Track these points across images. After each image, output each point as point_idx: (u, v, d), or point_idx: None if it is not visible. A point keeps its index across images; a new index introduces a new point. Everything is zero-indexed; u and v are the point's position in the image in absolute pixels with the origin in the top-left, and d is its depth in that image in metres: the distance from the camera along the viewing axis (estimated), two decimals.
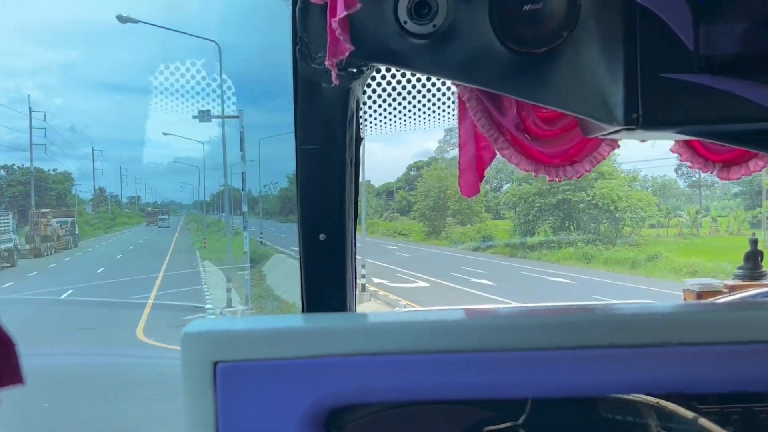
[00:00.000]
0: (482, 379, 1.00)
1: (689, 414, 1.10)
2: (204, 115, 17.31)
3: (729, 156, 1.61)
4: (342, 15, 1.17)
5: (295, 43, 1.36)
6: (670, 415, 1.11)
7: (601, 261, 25.39)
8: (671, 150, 1.68)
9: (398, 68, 1.65)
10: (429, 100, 1.86)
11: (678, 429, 1.11)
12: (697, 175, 37.47)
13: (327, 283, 1.53)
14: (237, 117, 17.72)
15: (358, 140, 1.58)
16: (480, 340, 1.01)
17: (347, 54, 1.22)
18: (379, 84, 1.75)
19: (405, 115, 1.90)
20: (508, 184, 38.02)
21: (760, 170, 1.61)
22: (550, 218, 29.24)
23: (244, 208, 18.46)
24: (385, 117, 1.89)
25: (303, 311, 1.53)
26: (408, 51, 1.26)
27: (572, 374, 1.00)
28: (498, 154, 1.55)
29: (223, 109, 17.60)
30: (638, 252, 25.50)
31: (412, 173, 50.31)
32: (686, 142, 1.60)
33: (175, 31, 19.64)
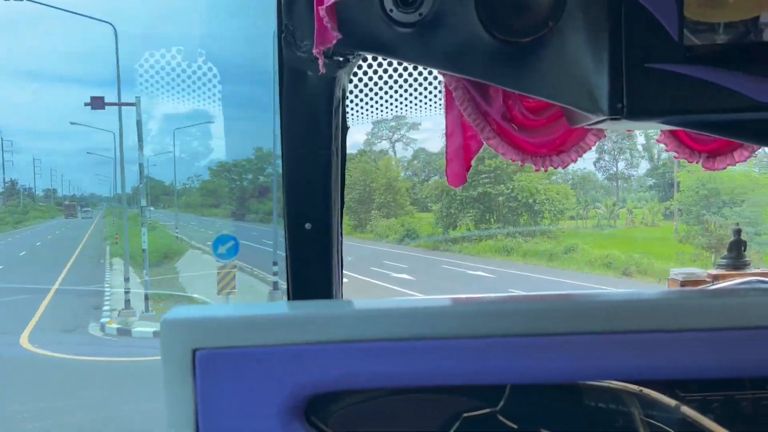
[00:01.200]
0: (462, 365, 1.01)
1: (672, 402, 1.11)
2: (97, 102, 16.10)
3: (714, 146, 1.62)
4: (330, 2, 1.18)
5: (280, 32, 1.35)
6: (652, 402, 1.11)
7: (520, 253, 25.65)
8: (657, 140, 1.70)
9: (384, 57, 1.66)
10: (416, 90, 1.87)
11: (660, 417, 1.12)
12: (614, 168, 38.75)
13: (313, 271, 1.52)
14: (134, 104, 16.56)
15: (344, 129, 1.58)
16: (460, 326, 1.02)
17: (334, 42, 1.23)
18: (365, 73, 1.77)
19: (391, 104, 1.91)
20: (436, 176, 38.07)
21: (745, 160, 1.61)
22: (471, 211, 29.39)
23: (143, 203, 17.34)
24: (372, 106, 1.90)
25: (288, 300, 1.50)
26: (394, 40, 1.27)
27: (551, 360, 1.01)
28: (484, 143, 1.54)
29: (119, 96, 16.43)
30: (556, 244, 25.92)
31: (362, 165, 49.89)
32: (672, 132, 1.61)
33: (69, 11, 18.13)
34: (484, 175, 28.83)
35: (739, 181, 21.53)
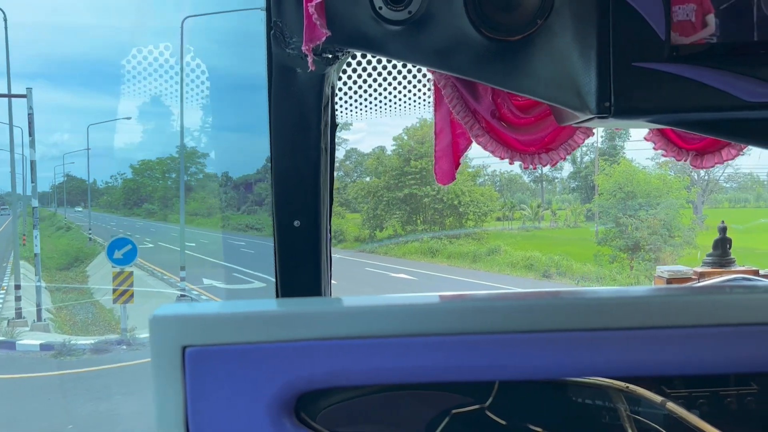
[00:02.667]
0: (451, 361, 1.01)
1: (658, 398, 1.11)
2: None
3: (702, 144, 1.63)
4: (318, 0, 1.19)
5: (269, 29, 1.35)
6: (639, 399, 1.11)
7: (444, 255, 25.56)
8: (645, 138, 1.68)
9: (373, 54, 1.67)
10: (405, 87, 1.86)
11: (647, 413, 1.11)
12: (540, 171, 39.41)
13: (301, 269, 1.51)
14: (24, 96, 15.21)
15: (333, 127, 1.56)
16: (449, 323, 1.02)
17: (323, 39, 1.24)
18: (354, 70, 1.77)
19: (380, 101, 1.90)
20: (369, 178, 37.65)
21: (733, 158, 1.62)
22: (398, 212, 29.14)
23: (34, 203, 16.00)
24: (361, 103, 1.90)
25: (277, 297, 1.49)
26: (383, 37, 1.27)
27: (540, 357, 1.01)
28: (473, 141, 1.55)
29: (9, 88, 15.07)
30: (480, 246, 25.98)
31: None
32: (660, 130, 1.63)
33: None
34: (410, 176, 28.63)
35: (654, 185, 22.09)
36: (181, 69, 17.74)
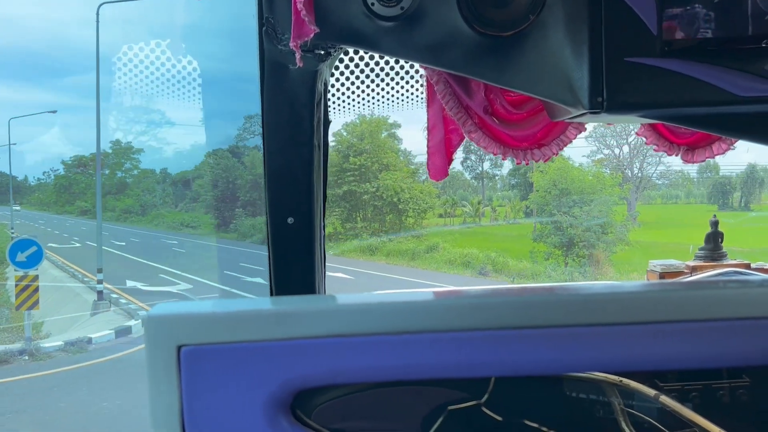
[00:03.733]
0: (447, 358, 1.02)
1: (651, 392, 1.12)
2: None
3: (693, 139, 1.65)
4: None
5: (261, 24, 1.35)
6: (632, 393, 1.12)
7: (384, 253, 25.26)
8: (637, 133, 1.70)
9: (366, 50, 1.66)
10: (397, 83, 1.85)
11: (640, 407, 1.13)
12: (480, 168, 39.67)
13: (295, 266, 1.50)
14: None
15: (326, 123, 1.55)
16: (445, 320, 1.03)
17: (311, 35, 1.24)
18: (347, 66, 1.76)
19: (373, 98, 1.91)
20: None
21: (724, 153, 1.63)
22: (337, 210, 28.64)
23: None
24: (354, 100, 1.90)
25: (271, 295, 1.50)
26: (375, 33, 1.28)
27: (535, 353, 1.02)
28: (466, 137, 1.55)
29: None
30: (418, 243, 25.79)
31: (211, 161, 47.33)
32: (652, 125, 1.65)
33: None
34: (349, 173, 28.19)
35: (588, 182, 22.34)
36: (97, 61, 16.78)
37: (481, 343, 1.01)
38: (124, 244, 30.02)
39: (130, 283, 18.69)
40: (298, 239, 1.48)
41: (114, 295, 16.78)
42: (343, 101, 1.89)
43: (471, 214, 34.61)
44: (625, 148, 28.81)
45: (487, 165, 39.19)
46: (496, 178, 41.17)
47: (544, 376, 1.11)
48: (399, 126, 31.11)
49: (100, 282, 15.68)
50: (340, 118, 1.98)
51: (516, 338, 1.01)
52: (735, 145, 1.66)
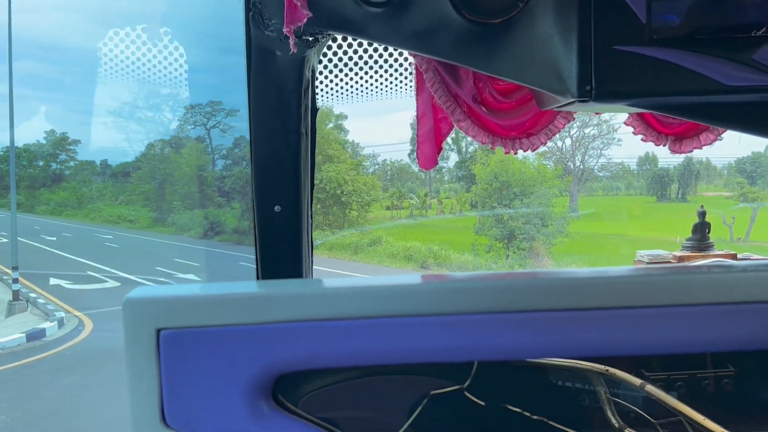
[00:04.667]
0: (430, 342, 1.02)
1: (637, 381, 1.11)
2: None
3: (681, 129, 1.65)
4: None
5: (248, 10, 1.33)
6: (618, 382, 1.11)
7: (326, 246, 24.80)
8: (626, 123, 1.67)
9: (354, 37, 1.65)
10: (386, 71, 1.85)
11: (626, 396, 1.12)
12: None
13: (282, 254, 1.49)
14: None
15: (314, 110, 1.54)
16: (429, 304, 1.03)
17: (305, 20, 1.24)
18: (335, 53, 1.74)
19: (362, 85, 1.90)
20: None
21: (711, 143, 1.64)
22: None
23: None
24: (342, 87, 1.88)
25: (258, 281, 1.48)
26: (364, 20, 1.27)
27: (519, 337, 1.02)
28: (455, 126, 1.55)
29: None
30: (362, 236, 25.41)
31: (153, 153, 45.75)
32: (640, 115, 1.64)
33: None
34: None
35: (528, 174, 22.37)
36: (9, 45, 15.71)
37: (465, 327, 1.01)
38: (54, 239, 28.64)
39: (53, 281, 17.71)
40: (286, 226, 1.46)
41: (33, 295, 15.81)
42: (331, 89, 1.86)
43: (418, 206, 34.47)
44: (568, 141, 29.11)
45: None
46: (444, 170, 41.17)
47: (529, 363, 1.09)
48: (346, 117, 30.63)
49: (15, 281, 14.69)
50: (327, 105, 1.95)
51: (499, 323, 1.00)
52: (723, 135, 1.65)
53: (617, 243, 23.14)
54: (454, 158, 39.86)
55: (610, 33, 1.14)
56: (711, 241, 2.44)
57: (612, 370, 1.10)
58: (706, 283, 1.06)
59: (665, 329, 1.02)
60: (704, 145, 1.65)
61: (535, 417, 1.11)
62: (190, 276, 18.86)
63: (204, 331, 1.00)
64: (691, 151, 1.68)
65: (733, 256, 2.29)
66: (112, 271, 19.66)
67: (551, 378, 1.12)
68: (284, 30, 1.23)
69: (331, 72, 1.80)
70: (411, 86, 1.82)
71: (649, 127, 1.66)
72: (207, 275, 19.05)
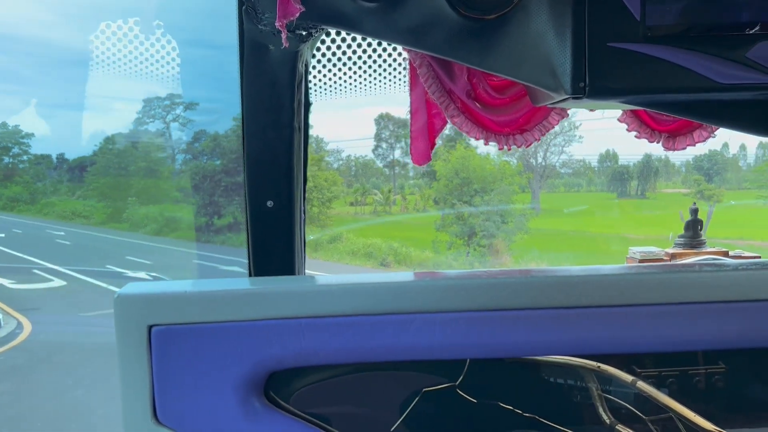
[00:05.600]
0: (422, 339, 1.02)
1: (628, 377, 1.11)
2: None
3: (674, 126, 1.65)
4: None
5: (241, 4, 1.32)
6: (610, 379, 1.11)
7: None
8: (619, 120, 1.66)
9: (348, 32, 1.65)
10: (380, 66, 1.84)
11: (618, 392, 1.12)
12: (392, 155, 39.30)
13: (274, 249, 1.48)
14: None
15: (307, 105, 1.53)
16: (421, 301, 1.03)
17: (297, 15, 1.22)
18: (328, 48, 1.73)
19: (355, 80, 1.88)
20: (220, 161, 35.38)
21: (705, 140, 1.65)
22: (237, 198, 27.44)
23: None
24: (335, 82, 1.88)
25: (250, 277, 1.44)
26: (358, 14, 1.27)
27: (511, 335, 1.02)
28: (449, 121, 1.55)
29: None
30: (322, 233, 25.03)
31: (111, 146, 44.46)
32: (633, 112, 1.64)
33: None
34: None
35: (489, 171, 22.27)
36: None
37: (457, 324, 1.01)
38: (3, 235, 27.58)
39: None
40: (278, 223, 1.45)
41: None
42: (324, 83, 1.85)
43: (382, 202, 34.19)
44: None
45: (398, 153, 38.87)
46: (408, 166, 40.99)
47: (521, 360, 1.09)
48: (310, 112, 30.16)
49: None
50: (320, 100, 1.92)
51: (491, 320, 1.01)
52: (716, 132, 1.65)
53: (578, 239, 23.23)
54: None
55: (605, 30, 1.13)
56: (703, 238, 2.43)
57: (604, 366, 1.11)
58: (698, 281, 1.06)
59: (657, 327, 1.03)
60: (698, 142, 1.65)
61: (526, 414, 1.11)
62: (141, 274, 18.25)
63: (196, 327, 1.01)
64: (685, 148, 1.68)
65: (725, 254, 2.28)
66: (60, 269, 18.91)
67: (543, 375, 1.12)
68: (276, 24, 1.22)
69: (324, 67, 1.78)
70: (405, 81, 1.81)
71: (643, 124, 1.65)
72: (156, 275, 18.45)
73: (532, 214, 23.78)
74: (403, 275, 1.14)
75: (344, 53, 1.75)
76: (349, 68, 1.82)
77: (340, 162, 33.14)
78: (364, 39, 1.72)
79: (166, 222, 28.55)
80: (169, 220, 28.70)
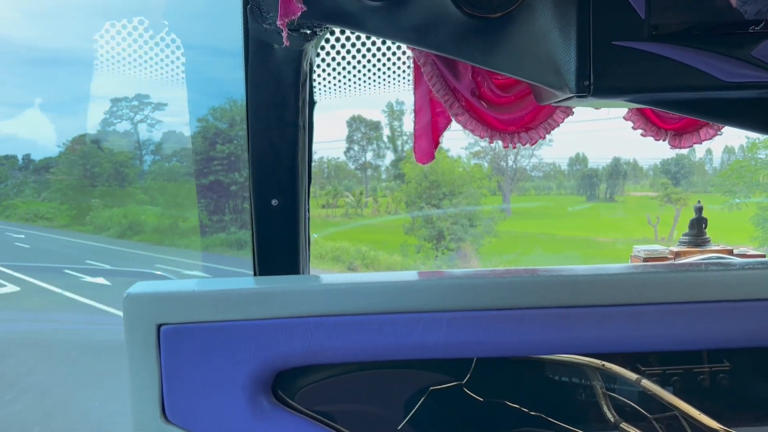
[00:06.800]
0: (429, 338, 1.02)
1: (633, 376, 1.12)
2: None
3: (680, 125, 1.65)
4: None
5: (246, 3, 1.33)
6: (615, 377, 1.11)
7: (250, 248, 23.93)
8: (624, 118, 1.66)
9: (352, 31, 1.66)
10: (384, 65, 1.86)
11: (622, 391, 1.11)
12: (363, 158, 39.06)
13: (279, 248, 1.49)
14: None
15: (312, 104, 1.54)
16: (427, 300, 1.03)
17: (299, 14, 1.22)
18: (333, 47, 1.74)
19: (360, 79, 1.89)
20: (185, 163, 34.77)
21: (711, 138, 1.64)
22: (202, 201, 26.96)
23: None
24: (340, 81, 1.87)
25: (255, 276, 1.46)
26: (363, 13, 1.27)
27: (518, 334, 1.01)
28: (453, 120, 1.56)
29: None
30: None
31: (76, 147, 43.50)
32: (639, 110, 1.65)
33: None
34: (216, 162, 26.51)
35: (458, 174, 22.15)
36: None
37: (464, 323, 1.02)
38: None
39: None
40: (283, 221, 1.47)
41: None
42: (329, 82, 1.84)
43: (353, 204, 33.93)
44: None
45: (369, 155, 38.66)
46: (381, 168, 40.80)
47: (527, 359, 1.08)
48: None
49: None
50: (325, 99, 1.91)
51: (498, 319, 1.01)
52: (722, 131, 1.64)
53: (547, 242, 23.21)
54: (390, 156, 39.60)
55: (609, 28, 1.12)
56: (708, 236, 2.41)
57: (608, 365, 1.11)
58: (703, 280, 1.05)
59: (662, 326, 1.02)
60: (704, 140, 1.63)
61: (532, 412, 1.11)
62: (99, 281, 17.72)
63: (204, 326, 1.01)
64: (691, 146, 1.66)
65: (730, 252, 2.26)
66: (15, 274, 18.28)
67: (549, 374, 1.12)
68: (278, 23, 1.21)
69: (329, 65, 1.78)
70: (409, 79, 1.79)
71: (649, 122, 1.64)
72: (116, 281, 17.94)
73: (502, 217, 23.72)
74: (409, 274, 1.13)
75: (348, 52, 1.76)
76: (354, 67, 1.82)
77: (313, 164, 32.89)
78: (368, 38, 1.73)
79: (129, 225, 27.87)
80: (133, 223, 28.00)
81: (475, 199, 21.67)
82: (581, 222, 26.03)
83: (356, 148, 38.99)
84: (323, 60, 1.79)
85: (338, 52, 1.76)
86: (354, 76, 1.88)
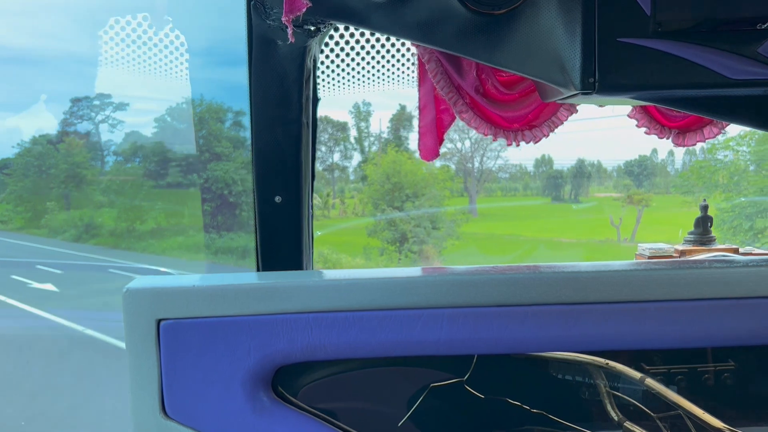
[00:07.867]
0: (430, 335, 1.01)
1: (637, 374, 1.11)
2: None
3: (684, 122, 1.67)
4: None
5: None
6: (618, 375, 1.10)
7: (212, 250, 23.45)
8: (629, 116, 1.69)
9: (356, 27, 1.69)
10: (388, 61, 1.89)
11: (626, 389, 1.10)
12: (330, 159, 38.69)
13: (282, 244, 1.51)
14: None
15: (315, 101, 1.57)
16: (429, 297, 1.02)
17: (304, 10, 1.25)
18: (336, 43, 1.79)
19: (363, 75, 1.93)
20: (144, 164, 33.92)
21: (715, 137, 1.66)
22: (160, 203, 26.30)
23: None
24: (343, 77, 1.91)
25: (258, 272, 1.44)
26: (367, 9, 1.29)
27: (519, 331, 1.00)
28: (457, 117, 1.57)
29: None
30: (250, 240, 24.19)
31: (31, 148, 42.24)
32: (643, 108, 1.69)
33: None
34: (174, 164, 25.91)
35: (420, 175, 21.96)
36: None
37: (465, 320, 1.01)
38: None
39: None
40: (286, 218, 1.48)
41: None
42: (333, 79, 1.87)
43: (320, 206, 33.54)
44: (467, 143, 29.01)
45: (337, 156, 38.31)
46: (348, 169, 40.47)
47: (529, 356, 1.06)
48: (245, 114, 29.22)
49: None
50: (329, 96, 1.90)
51: (500, 316, 1.00)
52: (726, 128, 1.68)
53: (511, 243, 23.13)
54: (357, 158, 39.28)
55: (614, 25, 1.12)
56: (713, 235, 2.39)
57: (612, 363, 1.10)
58: (708, 278, 1.03)
59: (666, 324, 1.01)
60: (708, 138, 1.63)
61: (534, 410, 1.10)
62: (47, 287, 17.07)
63: (204, 321, 0.99)
64: (695, 144, 1.64)
65: (735, 251, 2.23)
66: None
67: (551, 371, 1.12)
68: (283, 19, 1.24)
69: (332, 62, 1.80)
70: (413, 76, 1.81)
71: (653, 119, 1.65)
72: (64, 287, 17.31)
73: (467, 218, 23.59)
74: (410, 270, 1.10)
75: (352, 48, 1.78)
76: (357, 63, 1.84)
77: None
78: (372, 34, 1.75)
79: (86, 228, 27.03)
80: (90, 226, 27.17)
81: (438, 200, 21.49)
82: (545, 223, 26.04)
83: (323, 149, 38.62)
84: (327, 57, 1.81)
85: (342, 49, 1.79)
86: (358, 73, 1.90)
